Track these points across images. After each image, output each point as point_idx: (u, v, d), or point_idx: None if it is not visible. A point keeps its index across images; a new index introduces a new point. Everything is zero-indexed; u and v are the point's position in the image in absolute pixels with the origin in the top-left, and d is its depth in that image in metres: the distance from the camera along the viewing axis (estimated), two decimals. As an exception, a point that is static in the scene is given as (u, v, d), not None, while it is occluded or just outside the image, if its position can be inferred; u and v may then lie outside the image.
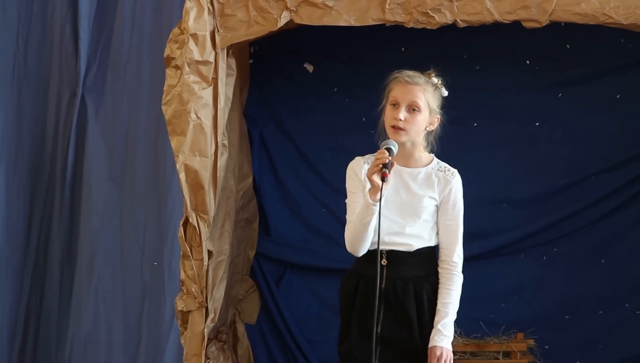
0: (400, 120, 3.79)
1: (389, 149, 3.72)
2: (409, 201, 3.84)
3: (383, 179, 3.65)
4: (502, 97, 5.10)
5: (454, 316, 3.82)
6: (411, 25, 4.45)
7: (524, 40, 4.89)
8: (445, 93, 3.92)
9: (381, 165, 3.67)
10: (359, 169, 3.86)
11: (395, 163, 3.73)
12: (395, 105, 3.83)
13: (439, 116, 3.90)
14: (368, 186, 3.73)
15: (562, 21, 4.43)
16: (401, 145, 3.82)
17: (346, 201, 3.90)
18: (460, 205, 3.89)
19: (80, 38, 5.49)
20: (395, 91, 3.85)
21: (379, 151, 3.74)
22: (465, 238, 4.06)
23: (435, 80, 3.89)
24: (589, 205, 5.03)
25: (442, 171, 3.89)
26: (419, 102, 3.82)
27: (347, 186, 3.90)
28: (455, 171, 3.91)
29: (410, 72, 3.87)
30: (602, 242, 5.06)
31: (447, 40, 4.89)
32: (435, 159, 3.93)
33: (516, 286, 5.09)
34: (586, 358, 5.00)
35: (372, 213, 3.70)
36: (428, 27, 4.45)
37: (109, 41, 5.51)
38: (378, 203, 3.67)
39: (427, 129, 3.89)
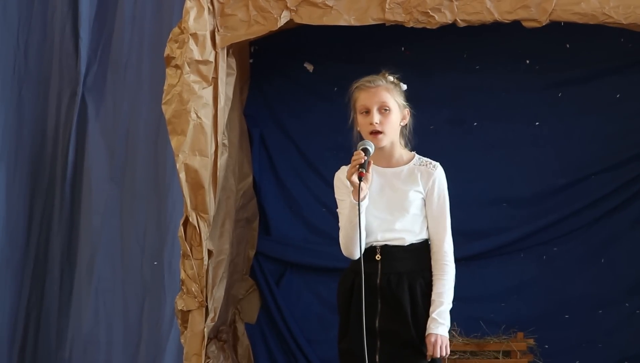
0: (377, 123, 3.86)
1: (365, 150, 3.80)
2: (395, 197, 3.91)
3: (360, 179, 3.71)
4: (502, 97, 5.10)
5: (449, 305, 3.86)
6: (411, 25, 4.46)
7: (524, 40, 4.89)
8: (405, 87, 3.99)
9: (358, 166, 3.73)
10: (344, 177, 3.90)
11: (372, 161, 3.81)
12: (367, 112, 3.90)
13: (408, 109, 3.98)
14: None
15: (562, 21, 4.44)
16: (381, 148, 3.90)
17: (337, 210, 3.96)
18: (445, 196, 3.93)
19: (81, 38, 5.49)
20: (362, 99, 3.92)
21: (355, 152, 3.81)
22: (465, 238, 4.07)
23: (391, 78, 3.96)
24: (588, 205, 5.04)
25: (423, 165, 3.96)
26: (388, 102, 3.90)
27: (335, 195, 3.99)
28: (437, 163, 3.97)
29: (368, 77, 3.95)
30: (602, 242, 5.06)
31: (447, 40, 4.89)
32: (417, 156, 3.99)
33: (516, 286, 5.09)
34: (586, 357, 5.01)
35: (358, 213, 3.74)
36: (428, 26, 4.46)
37: (109, 41, 5.51)
38: (361, 202, 3.74)
39: (401, 124, 3.97)
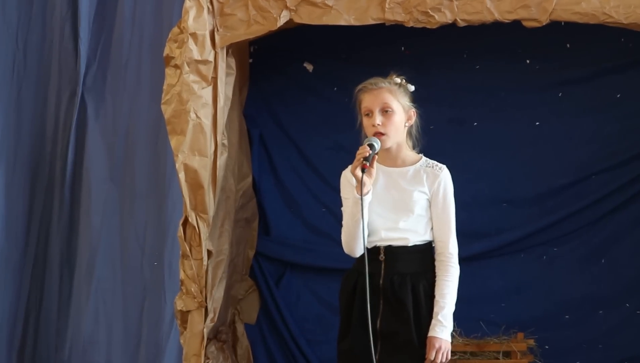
0: (378, 125, 3.87)
1: (370, 145, 3.80)
2: (400, 197, 3.91)
3: (363, 171, 3.72)
4: (502, 96, 5.10)
5: (453, 308, 3.85)
6: (411, 24, 4.46)
7: (524, 40, 4.89)
8: (412, 88, 3.99)
9: (362, 158, 3.74)
10: (350, 175, 3.90)
11: (377, 156, 3.81)
12: (369, 114, 3.91)
13: (414, 110, 3.97)
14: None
15: (562, 20, 4.44)
16: (387, 149, 3.90)
17: (342, 208, 3.95)
18: (451, 198, 3.93)
19: (80, 38, 5.49)
20: (365, 101, 3.93)
21: (360, 147, 3.81)
22: (465, 238, 4.06)
23: (397, 80, 3.96)
24: (589, 205, 5.03)
25: (430, 167, 3.95)
26: (390, 103, 3.90)
27: (341, 194, 4.00)
28: (444, 166, 3.96)
29: (372, 80, 3.95)
30: (602, 242, 5.06)
31: (447, 39, 4.89)
32: (424, 158, 3.99)
33: (516, 286, 5.09)
34: (586, 358, 5.00)
35: (361, 209, 3.74)
36: (428, 26, 4.46)
37: (109, 41, 5.51)
38: (364, 197, 3.74)
39: (407, 125, 3.96)
